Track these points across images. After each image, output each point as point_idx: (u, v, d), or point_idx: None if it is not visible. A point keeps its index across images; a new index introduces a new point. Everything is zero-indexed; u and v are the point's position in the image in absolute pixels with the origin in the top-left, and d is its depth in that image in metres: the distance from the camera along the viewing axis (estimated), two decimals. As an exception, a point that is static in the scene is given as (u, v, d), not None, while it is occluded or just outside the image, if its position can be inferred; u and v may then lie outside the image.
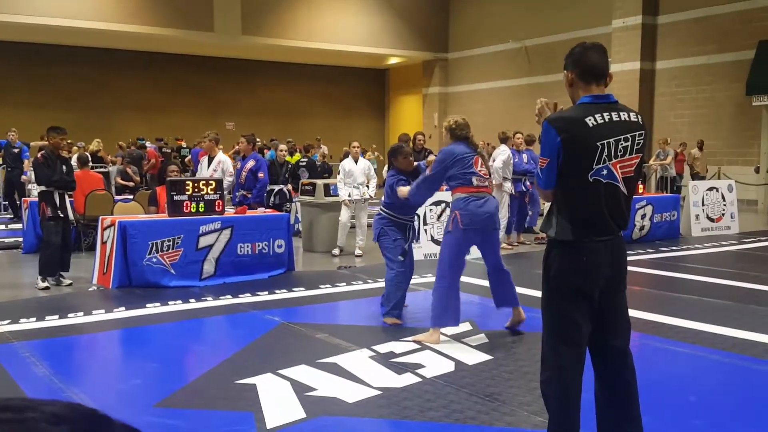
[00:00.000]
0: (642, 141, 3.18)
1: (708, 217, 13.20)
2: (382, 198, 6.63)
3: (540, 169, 3.21)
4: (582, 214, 3.16)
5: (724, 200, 13.43)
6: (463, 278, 8.57)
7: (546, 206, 3.57)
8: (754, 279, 8.53)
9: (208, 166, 10.20)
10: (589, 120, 3.08)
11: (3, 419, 0.65)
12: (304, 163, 14.07)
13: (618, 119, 3.12)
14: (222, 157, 10.33)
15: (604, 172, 3.09)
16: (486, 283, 8.31)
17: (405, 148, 6.70)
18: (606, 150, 3.08)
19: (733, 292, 7.83)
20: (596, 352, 3.34)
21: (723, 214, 13.38)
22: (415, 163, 6.79)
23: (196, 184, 8.41)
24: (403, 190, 6.23)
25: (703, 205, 13.17)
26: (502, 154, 11.48)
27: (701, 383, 4.87)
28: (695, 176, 18.15)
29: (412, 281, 8.51)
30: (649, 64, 21.16)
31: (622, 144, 3.10)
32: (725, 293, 7.77)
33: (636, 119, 3.20)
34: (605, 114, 3.10)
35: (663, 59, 21.10)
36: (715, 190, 13.47)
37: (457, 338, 5.86)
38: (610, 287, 3.25)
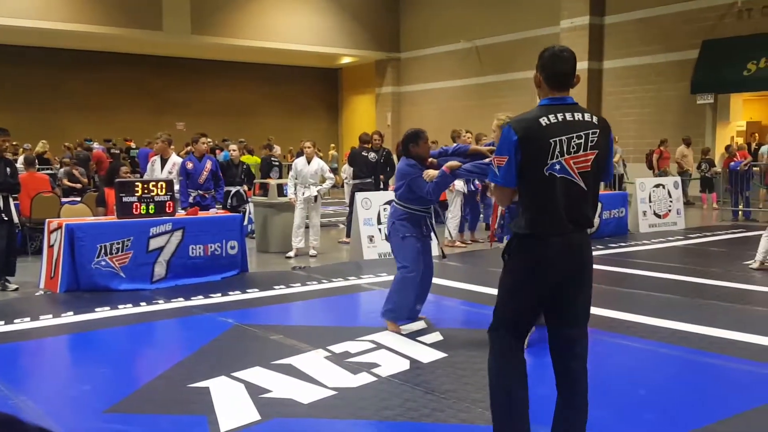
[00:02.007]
0: (596, 138, 3.35)
1: (655, 214, 13.49)
2: (395, 191, 6.20)
3: (497, 167, 3.38)
4: (539, 209, 3.34)
5: (670, 197, 13.73)
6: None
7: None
8: (700, 273, 8.75)
9: (162, 167, 10.09)
10: (543, 120, 3.31)
11: None
12: (277, 163, 13.88)
13: (572, 119, 3.34)
14: (176, 159, 10.23)
15: (557, 167, 3.29)
16: (441, 281, 8.36)
17: (425, 132, 6.20)
18: (558, 146, 3.28)
19: (680, 287, 8.01)
20: (550, 339, 3.46)
21: (669, 211, 13.69)
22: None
23: (145, 186, 8.29)
24: (432, 173, 5.84)
25: (650, 201, 13.45)
26: None
27: (651, 376, 4.96)
28: (684, 174, 18.42)
29: (368, 280, 8.53)
30: (596, 63, 21.53)
31: (575, 141, 3.31)
32: (672, 288, 7.95)
33: (590, 119, 3.39)
34: (559, 114, 3.33)
35: (610, 59, 21.48)
36: (661, 186, 13.77)
37: (412, 336, 5.88)
38: (569, 282, 3.39)
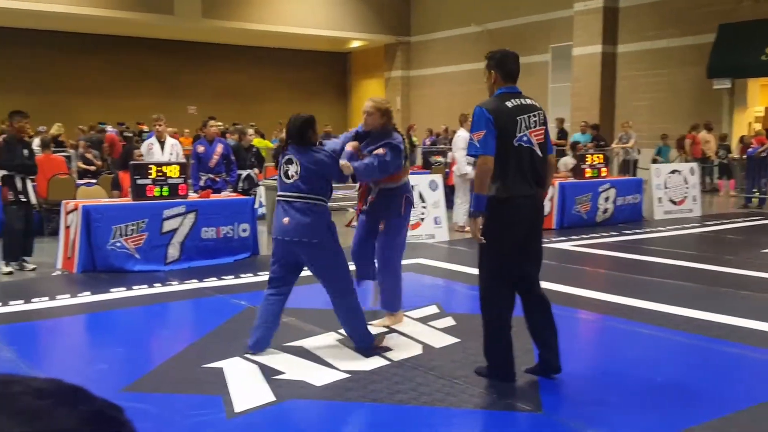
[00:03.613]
0: (542, 118, 4.36)
1: (670, 200, 13.38)
2: (302, 186, 5.05)
3: (476, 140, 4.17)
4: (511, 175, 4.19)
5: (686, 183, 13.60)
6: (426, 261, 8.63)
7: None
8: (716, 261, 8.66)
9: (162, 149, 10.15)
10: (508, 103, 4.28)
11: None
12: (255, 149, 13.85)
13: (525, 103, 4.33)
14: (173, 141, 10.30)
15: (525, 138, 4.25)
16: (451, 266, 8.35)
17: None
18: (523, 123, 4.24)
19: (696, 274, 7.93)
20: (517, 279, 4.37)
21: (685, 197, 13.55)
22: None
23: (159, 168, 8.32)
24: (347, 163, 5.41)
25: (665, 188, 13.34)
26: (460, 141, 10.87)
27: (668, 364, 4.93)
28: (705, 161, 18.15)
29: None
30: (610, 47, 21.29)
31: (532, 119, 4.29)
32: (688, 275, 7.88)
33: (534, 103, 4.40)
34: (515, 100, 4.32)
35: (624, 43, 21.25)
36: (677, 173, 13.65)
37: (424, 321, 5.89)
38: (532, 232, 4.36)
